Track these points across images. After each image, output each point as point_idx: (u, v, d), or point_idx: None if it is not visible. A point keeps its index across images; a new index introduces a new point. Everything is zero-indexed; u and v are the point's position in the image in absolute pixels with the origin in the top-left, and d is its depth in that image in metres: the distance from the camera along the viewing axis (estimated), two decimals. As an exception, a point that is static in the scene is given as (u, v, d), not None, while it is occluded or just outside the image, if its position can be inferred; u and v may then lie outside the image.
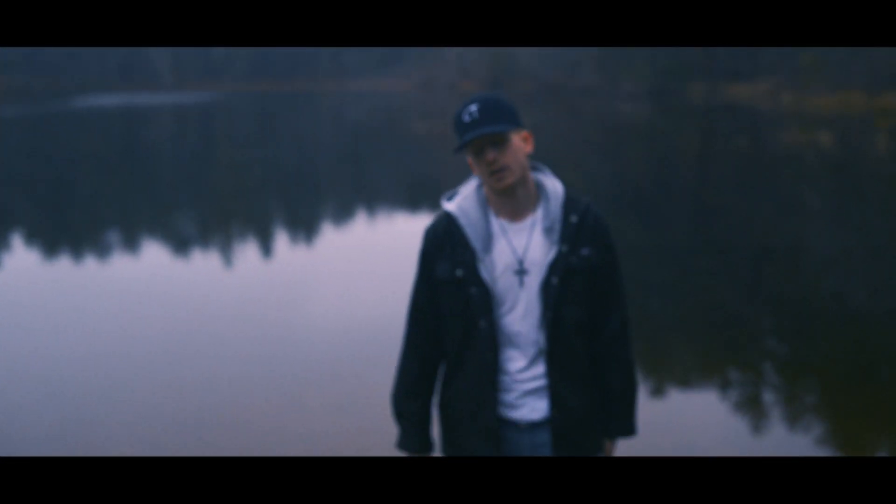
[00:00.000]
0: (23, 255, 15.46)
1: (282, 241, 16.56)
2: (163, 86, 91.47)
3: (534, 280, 3.61)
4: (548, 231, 3.61)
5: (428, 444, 3.81)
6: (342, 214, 19.88)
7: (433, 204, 20.79)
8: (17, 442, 7.42)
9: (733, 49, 61.94)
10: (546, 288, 3.58)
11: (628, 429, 3.78)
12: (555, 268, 3.58)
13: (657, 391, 8.61)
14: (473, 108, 3.56)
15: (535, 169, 3.72)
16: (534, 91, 69.79)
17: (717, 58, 62.90)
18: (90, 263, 14.62)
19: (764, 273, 13.56)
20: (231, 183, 25.81)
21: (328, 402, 8.13)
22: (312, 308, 11.46)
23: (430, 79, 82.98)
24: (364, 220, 18.90)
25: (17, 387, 8.76)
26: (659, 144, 33.94)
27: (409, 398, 3.77)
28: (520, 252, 3.61)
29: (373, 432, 7.30)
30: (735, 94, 57.41)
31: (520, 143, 3.59)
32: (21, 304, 12.03)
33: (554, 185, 3.65)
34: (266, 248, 15.70)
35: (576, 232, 3.60)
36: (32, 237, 17.37)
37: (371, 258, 14.52)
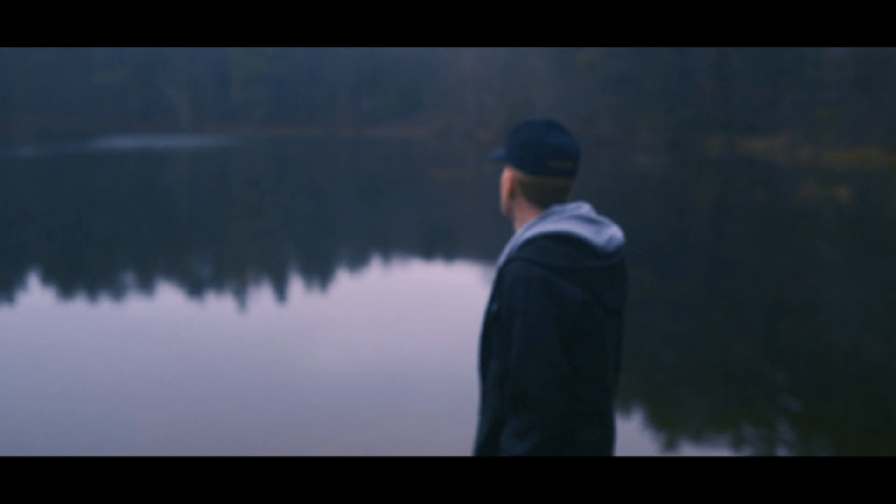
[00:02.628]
0: (38, 294, 15.48)
1: (296, 285, 16.55)
2: (182, 128, 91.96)
3: None
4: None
5: None
6: (357, 260, 19.88)
7: (448, 251, 20.79)
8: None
9: (751, 103, 62.07)
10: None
11: None
12: (483, 315, 3.41)
13: (669, 444, 8.56)
14: None
15: (551, 210, 3.41)
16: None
17: (734, 111, 63.02)
18: (104, 303, 14.62)
19: (779, 327, 13.50)
20: (246, 226, 25.87)
21: (325, 451, 8.09)
22: (322, 355, 11.43)
23: (448, 127, 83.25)
24: (379, 267, 18.89)
25: (22, 425, 8.75)
26: (675, 197, 33.95)
27: None
28: None
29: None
30: (752, 148, 57.44)
31: (507, 177, 3.47)
32: (34, 342, 12.03)
33: (520, 235, 3.39)
34: (280, 292, 15.70)
35: (496, 284, 3.34)
36: (48, 277, 17.40)
37: (385, 306, 14.51)
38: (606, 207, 29.59)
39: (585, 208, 3.41)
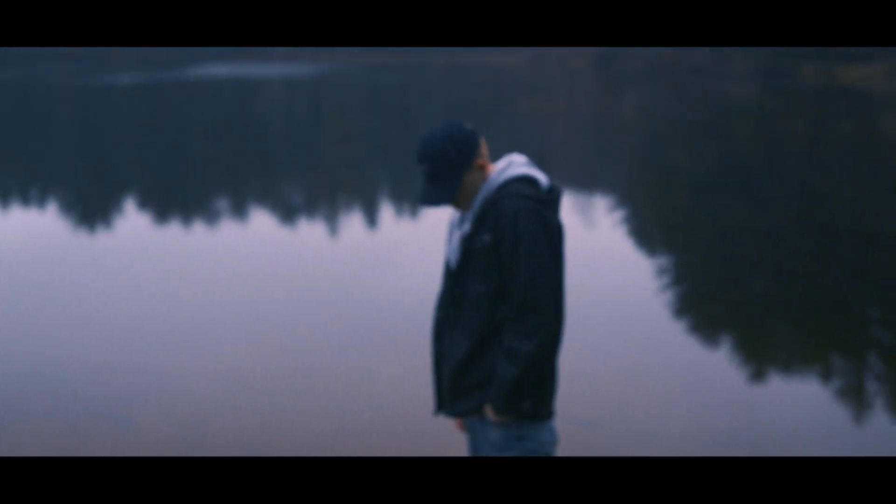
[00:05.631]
0: (134, 218, 15.80)
1: (386, 212, 16.70)
2: (275, 56, 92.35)
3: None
4: (470, 219, 3.99)
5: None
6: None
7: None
8: (101, 395, 7.65)
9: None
10: (452, 266, 4.04)
11: (496, 404, 3.86)
12: (460, 248, 3.99)
13: (758, 375, 8.55)
14: (425, 167, 3.96)
15: (510, 161, 4.05)
16: (643, 69, 69.17)
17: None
18: (197, 228, 14.90)
19: (871, 260, 13.34)
20: (338, 153, 26.03)
21: (398, 372, 8.14)
22: (405, 281, 11.52)
23: (541, 55, 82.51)
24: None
25: (119, 344, 9.01)
26: (767, 127, 33.45)
27: None
28: (458, 238, 4.06)
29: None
30: (848, 77, 56.26)
31: (472, 178, 3.96)
32: (128, 265, 12.32)
33: (495, 178, 3.97)
34: (370, 218, 15.84)
35: (481, 218, 3.92)
36: (144, 201, 17.73)
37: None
38: (698, 137, 29.27)
39: (526, 159, 4.09)
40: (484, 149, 4.01)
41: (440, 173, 3.93)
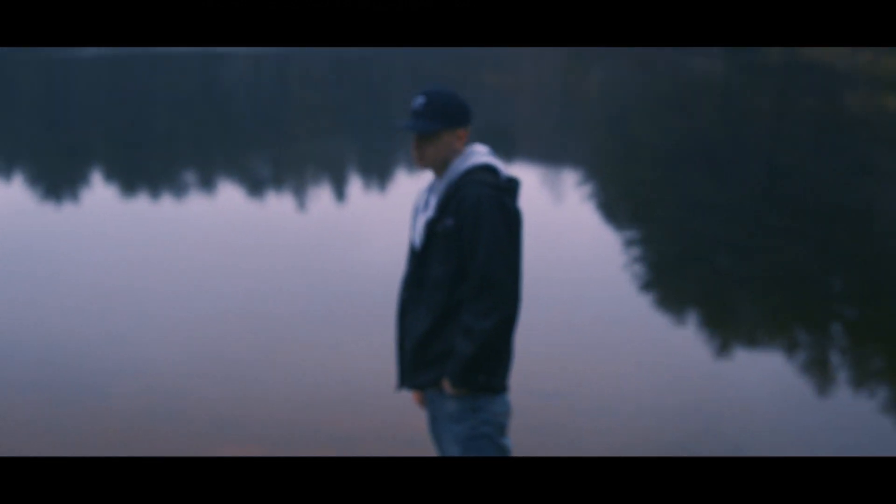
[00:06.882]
0: (101, 191, 15.72)
1: (353, 185, 16.68)
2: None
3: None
4: (434, 204, 4.18)
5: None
6: (410, 160, 19.93)
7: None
8: (49, 364, 7.66)
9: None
10: (416, 248, 4.24)
11: (453, 378, 4.05)
12: (424, 232, 4.18)
13: (723, 348, 8.64)
14: (420, 100, 4.17)
15: (472, 150, 4.24)
16: (608, 43, 69.22)
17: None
18: (165, 201, 14.85)
19: (834, 234, 13.46)
20: (305, 126, 25.94)
21: (366, 347, 8.17)
22: (372, 255, 11.54)
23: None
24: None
25: (76, 316, 9.02)
26: (733, 102, 33.58)
27: None
28: (423, 223, 4.24)
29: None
30: (812, 53, 56.52)
31: (449, 140, 4.17)
32: (95, 238, 12.28)
33: (459, 165, 4.17)
34: (338, 191, 15.83)
35: (445, 203, 4.12)
36: (109, 174, 17.64)
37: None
38: (663, 111, 29.32)
39: (488, 149, 4.30)
40: (468, 131, 4.20)
41: (429, 113, 4.14)
